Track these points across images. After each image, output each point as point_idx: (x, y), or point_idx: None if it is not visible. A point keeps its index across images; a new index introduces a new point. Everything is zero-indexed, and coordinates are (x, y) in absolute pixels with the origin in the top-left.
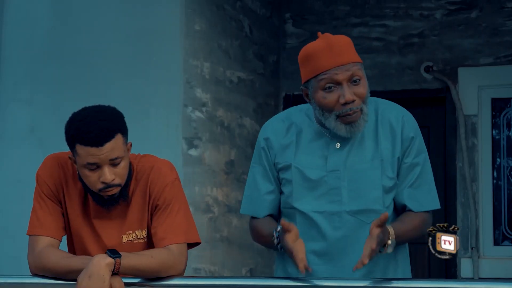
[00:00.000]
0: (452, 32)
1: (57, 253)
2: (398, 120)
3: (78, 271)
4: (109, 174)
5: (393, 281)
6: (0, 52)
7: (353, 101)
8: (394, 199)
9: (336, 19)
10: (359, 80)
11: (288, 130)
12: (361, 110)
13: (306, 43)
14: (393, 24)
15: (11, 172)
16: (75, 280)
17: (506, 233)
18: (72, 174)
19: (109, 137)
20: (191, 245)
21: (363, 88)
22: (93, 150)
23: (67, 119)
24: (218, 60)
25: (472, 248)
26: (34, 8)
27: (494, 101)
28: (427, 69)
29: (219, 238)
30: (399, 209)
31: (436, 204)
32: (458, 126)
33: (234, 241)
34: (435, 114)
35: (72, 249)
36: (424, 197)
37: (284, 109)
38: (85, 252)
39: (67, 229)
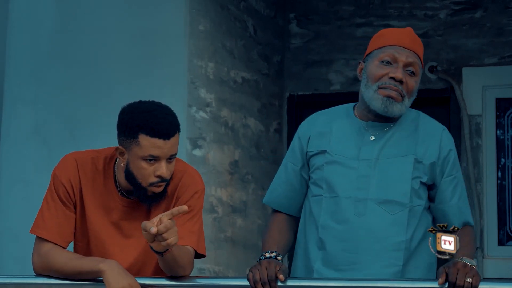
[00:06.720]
0: (456, 32)
1: (65, 254)
2: (439, 131)
3: (89, 273)
4: (166, 169)
5: (397, 281)
6: (5, 52)
7: (401, 82)
8: (437, 212)
9: (341, 19)
10: (413, 73)
11: (324, 122)
12: (403, 97)
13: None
14: (397, 24)
15: (16, 172)
16: (83, 281)
17: (510, 233)
18: (96, 173)
19: (174, 132)
20: (195, 256)
21: (414, 82)
22: (160, 142)
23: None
24: (223, 60)
25: (476, 248)
26: (38, 9)
27: (499, 101)
28: (431, 69)
29: (223, 239)
30: (440, 220)
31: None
32: (462, 126)
33: (238, 241)
34: (439, 114)
35: (84, 250)
36: (467, 211)
37: (288, 109)
38: (105, 254)
39: (84, 232)
